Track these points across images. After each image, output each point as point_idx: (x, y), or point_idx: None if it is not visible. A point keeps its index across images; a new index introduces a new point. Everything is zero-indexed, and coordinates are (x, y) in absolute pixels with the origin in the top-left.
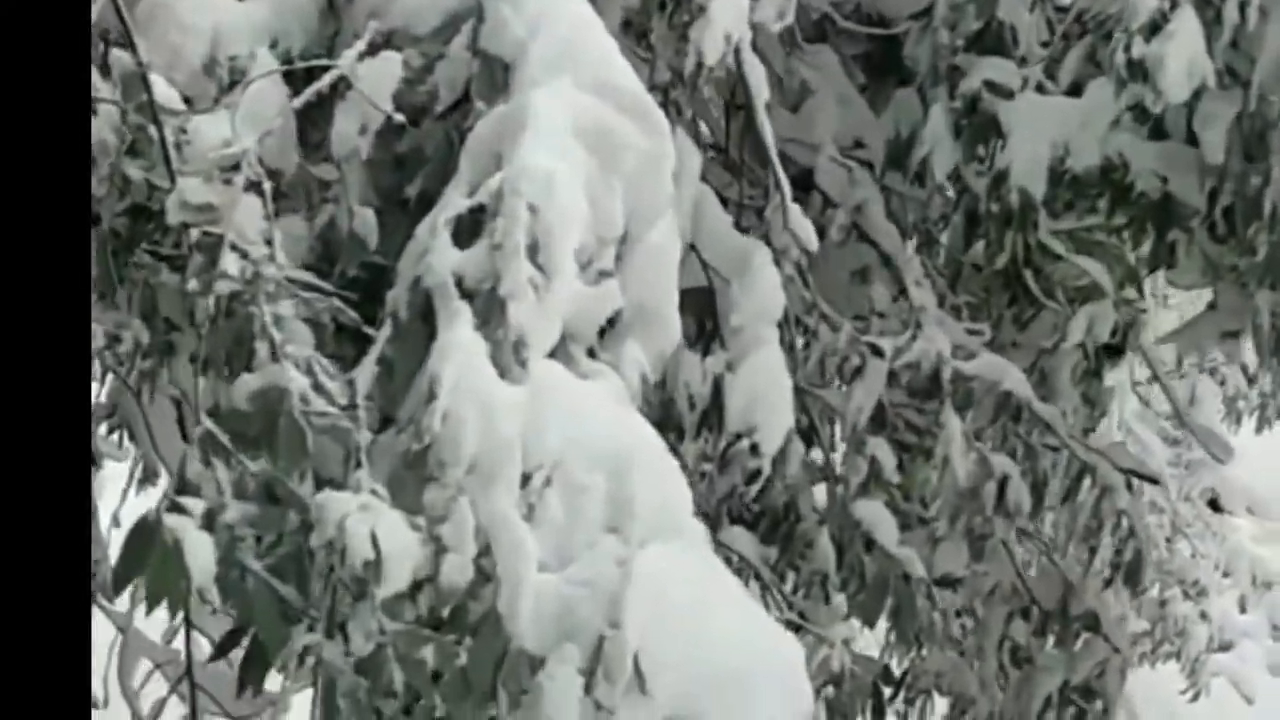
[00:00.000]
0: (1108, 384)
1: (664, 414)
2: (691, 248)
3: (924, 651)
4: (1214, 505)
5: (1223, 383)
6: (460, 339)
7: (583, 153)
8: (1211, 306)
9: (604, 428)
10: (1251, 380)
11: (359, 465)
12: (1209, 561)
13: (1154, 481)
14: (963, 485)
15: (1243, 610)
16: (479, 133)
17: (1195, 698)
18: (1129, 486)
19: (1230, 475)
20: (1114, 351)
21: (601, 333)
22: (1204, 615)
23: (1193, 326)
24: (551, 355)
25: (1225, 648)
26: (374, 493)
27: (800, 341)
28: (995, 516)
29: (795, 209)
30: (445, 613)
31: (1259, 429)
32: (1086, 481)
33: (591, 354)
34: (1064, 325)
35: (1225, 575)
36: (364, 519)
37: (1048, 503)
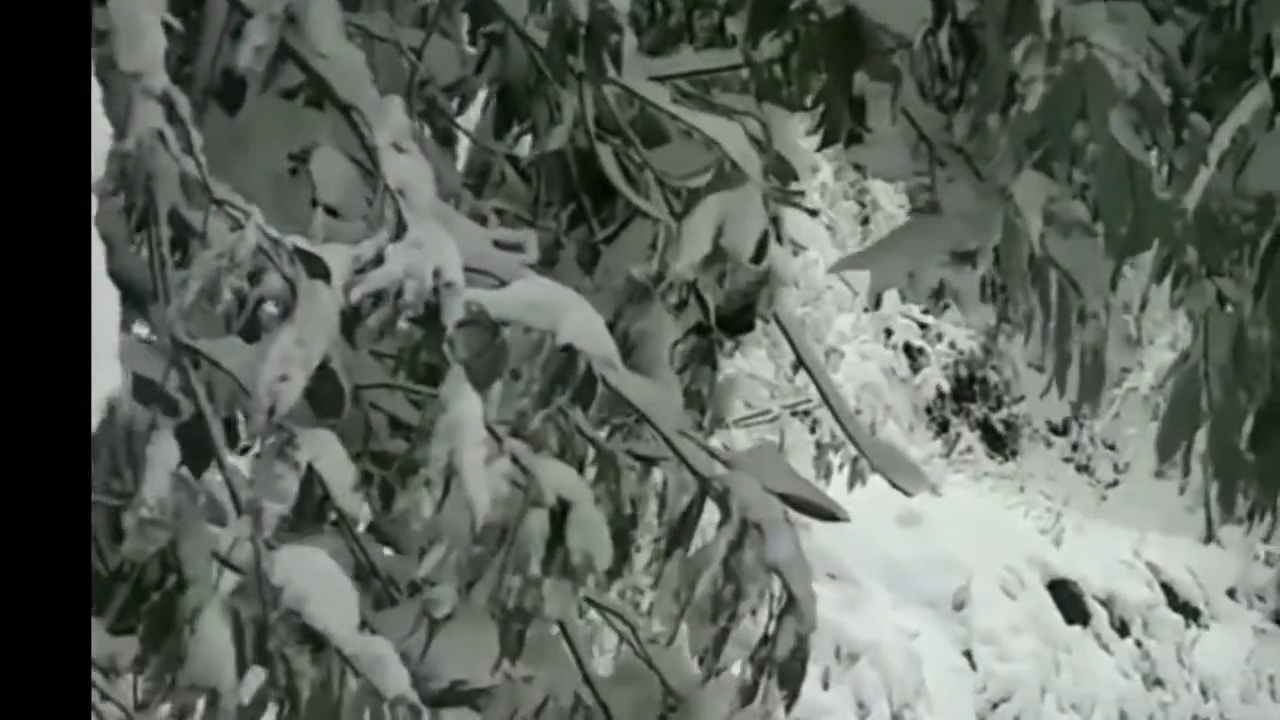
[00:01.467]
0: (727, 373)
1: None
2: None
3: None
4: None
5: (814, 429)
6: None
7: None
8: (930, 209)
9: None
10: (868, 460)
11: None
12: None
13: (832, 518)
14: (481, 520)
15: (825, 687)
16: None
17: None
18: (786, 520)
19: (813, 537)
20: (738, 319)
21: None
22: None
23: (894, 243)
24: None
25: None
26: None
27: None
28: (549, 577)
29: None
30: None
31: (851, 485)
32: (713, 515)
33: None
34: (668, 246)
35: None
36: None
37: (643, 553)
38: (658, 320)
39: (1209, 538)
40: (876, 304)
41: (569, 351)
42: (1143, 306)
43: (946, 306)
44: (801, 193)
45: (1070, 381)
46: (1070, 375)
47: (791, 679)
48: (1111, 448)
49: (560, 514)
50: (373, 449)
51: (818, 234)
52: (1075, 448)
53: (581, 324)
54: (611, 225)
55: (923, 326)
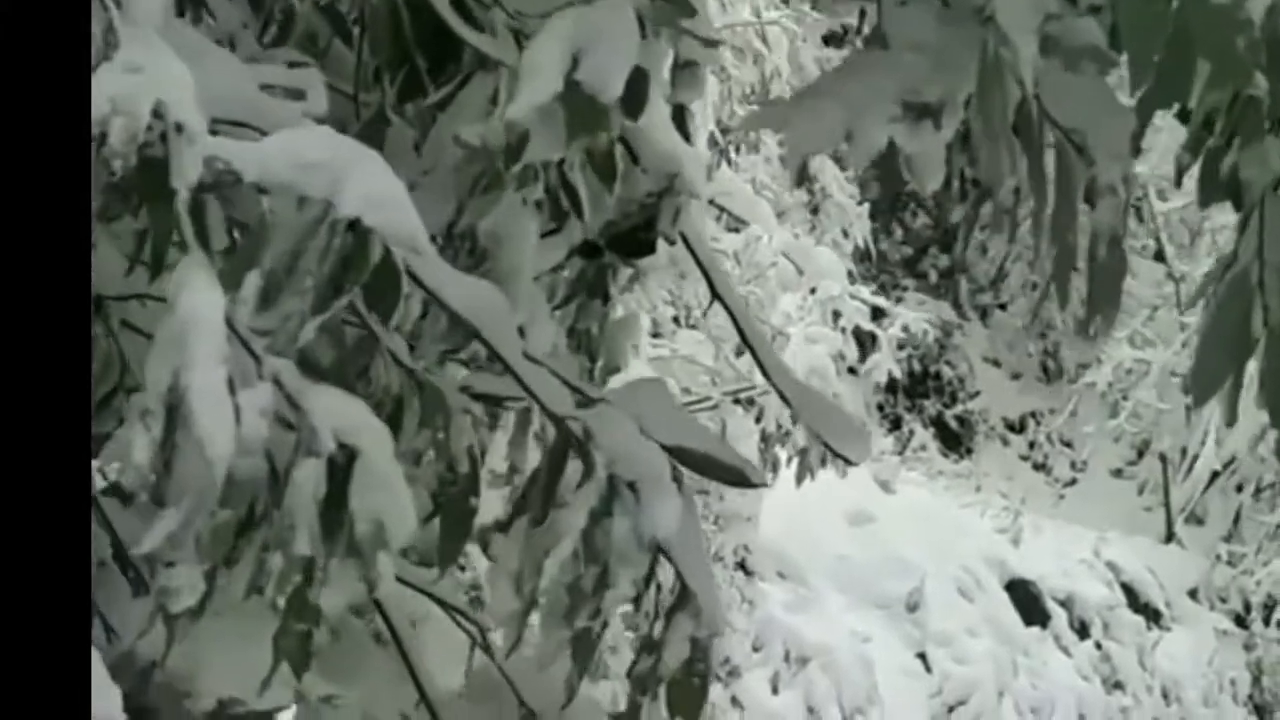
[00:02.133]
0: (625, 313)
1: None
2: None
3: None
4: (743, 568)
5: (759, 418)
6: None
7: None
8: (875, 41)
9: None
10: (796, 416)
11: None
12: (739, 635)
13: (742, 480)
14: (222, 472)
15: (775, 691)
16: None
17: None
18: (674, 479)
19: (761, 535)
20: (634, 238)
21: None
22: (735, 701)
23: (826, 90)
24: None
25: None
26: None
27: None
28: (331, 557)
29: None
30: None
31: (800, 479)
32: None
33: None
34: (497, 132)
35: (756, 650)
36: None
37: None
38: (514, 216)
39: (1169, 537)
40: (800, 177)
41: (357, 229)
42: (1177, 180)
43: (900, 299)
44: (694, 12)
45: (1074, 285)
46: (1071, 271)
47: (687, 701)
48: (1069, 445)
49: (344, 466)
50: (131, 385)
51: (761, 208)
52: (1032, 445)
53: (374, 190)
54: (451, 85)
55: (876, 314)
